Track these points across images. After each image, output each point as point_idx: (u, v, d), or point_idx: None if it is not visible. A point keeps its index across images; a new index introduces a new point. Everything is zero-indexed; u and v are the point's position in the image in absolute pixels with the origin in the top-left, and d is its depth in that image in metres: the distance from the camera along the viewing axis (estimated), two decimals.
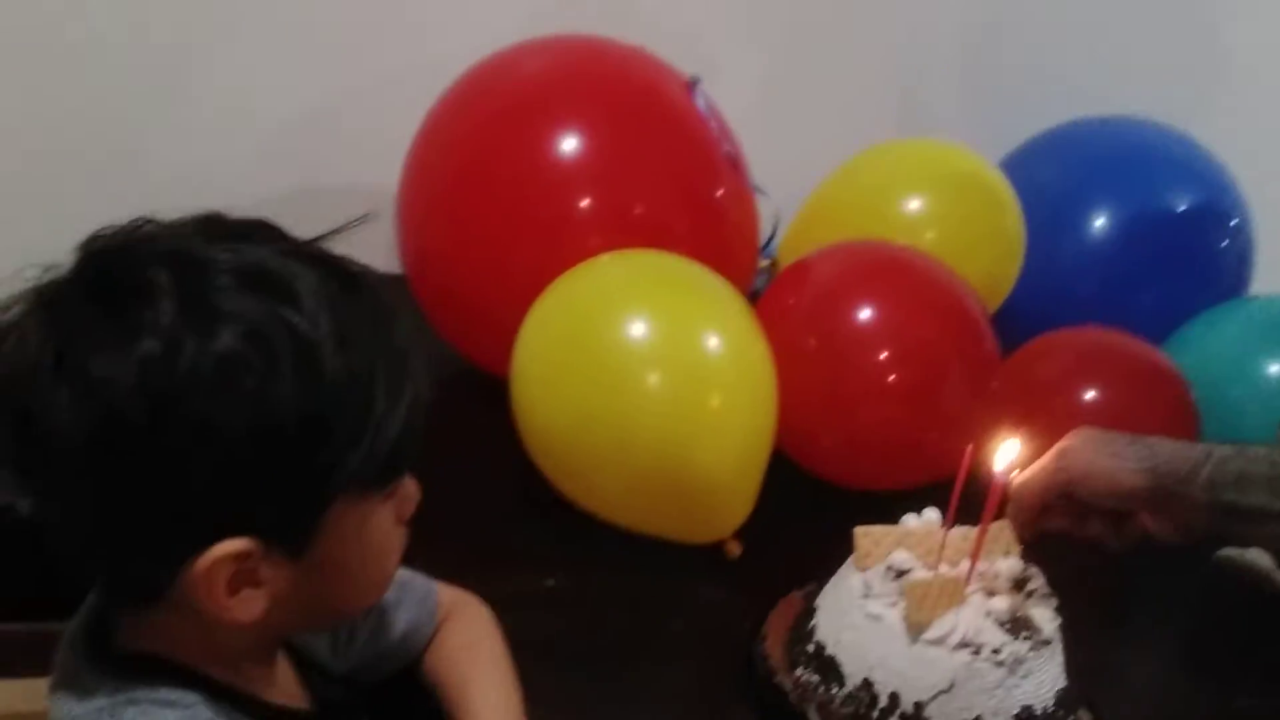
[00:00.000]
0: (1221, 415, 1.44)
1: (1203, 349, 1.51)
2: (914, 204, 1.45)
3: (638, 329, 1.16)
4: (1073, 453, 0.97)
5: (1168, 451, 0.92)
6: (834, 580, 1.09)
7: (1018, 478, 1.01)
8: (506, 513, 1.28)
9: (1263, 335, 1.50)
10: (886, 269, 1.31)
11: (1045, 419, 1.33)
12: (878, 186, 1.48)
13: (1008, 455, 1.00)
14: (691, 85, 1.38)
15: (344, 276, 0.69)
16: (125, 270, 0.64)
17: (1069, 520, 1.00)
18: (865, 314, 1.26)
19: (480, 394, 1.30)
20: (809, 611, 1.10)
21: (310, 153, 1.64)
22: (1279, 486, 0.86)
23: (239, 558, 0.65)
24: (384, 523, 0.74)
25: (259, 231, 0.69)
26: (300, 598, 0.71)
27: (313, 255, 0.69)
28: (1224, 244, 1.64)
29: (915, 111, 1.84)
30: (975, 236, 1.44)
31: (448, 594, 0.99)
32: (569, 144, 1.33)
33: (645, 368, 1.15)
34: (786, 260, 1.48)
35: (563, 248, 1.30)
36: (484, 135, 1.36)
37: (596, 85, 1.37)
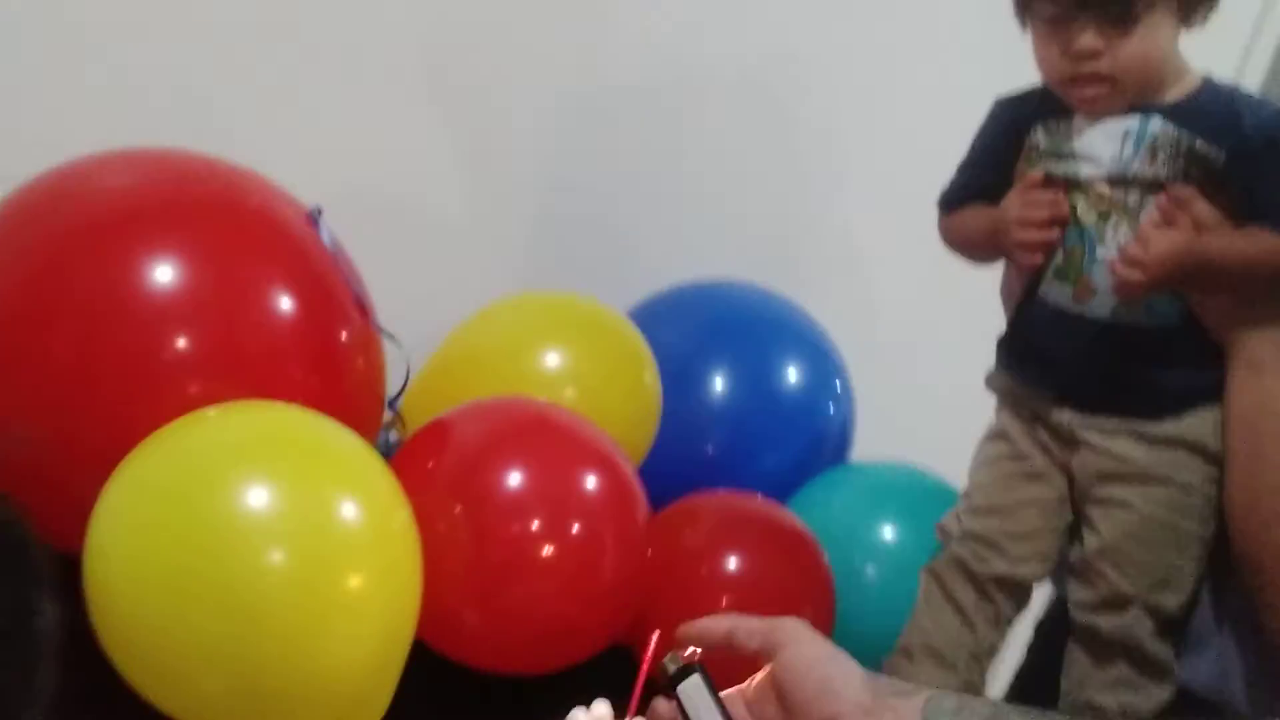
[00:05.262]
0: (842, 576, 1.45)
1: (821, 514, 1.53)
2: (553, 359, 1.36)
3: (255, 496, 0.97)
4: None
5: None
6: None
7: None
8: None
9: (875, 501, 1.55)
10: (536, 429, 1.20)
11: (693, 588, 1.28)
12: (514, 339, 1.39)
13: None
14: (314, 216, 1.22)
15: None
16: None
17: None
18: (516, 478, 1.14)
19: None
20: None
21: None
22: None
23: None
24: None
25: None
26: None
27: None
28: (832, 410, 1.69)
29: (534, 264, 1.78)
30: (615, 394, 1.37)
31: None
32: (161, 273, 1.11)
33: (265, 543, 0.95)
34: (412, 414, 1.34)
35: (154, 397, 1.08)
36: (50, 258, 1.11)
37: (197, 207, 1.17)
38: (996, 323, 1.58)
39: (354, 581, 0.98)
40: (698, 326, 1.70)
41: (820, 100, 1.95)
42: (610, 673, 1.23)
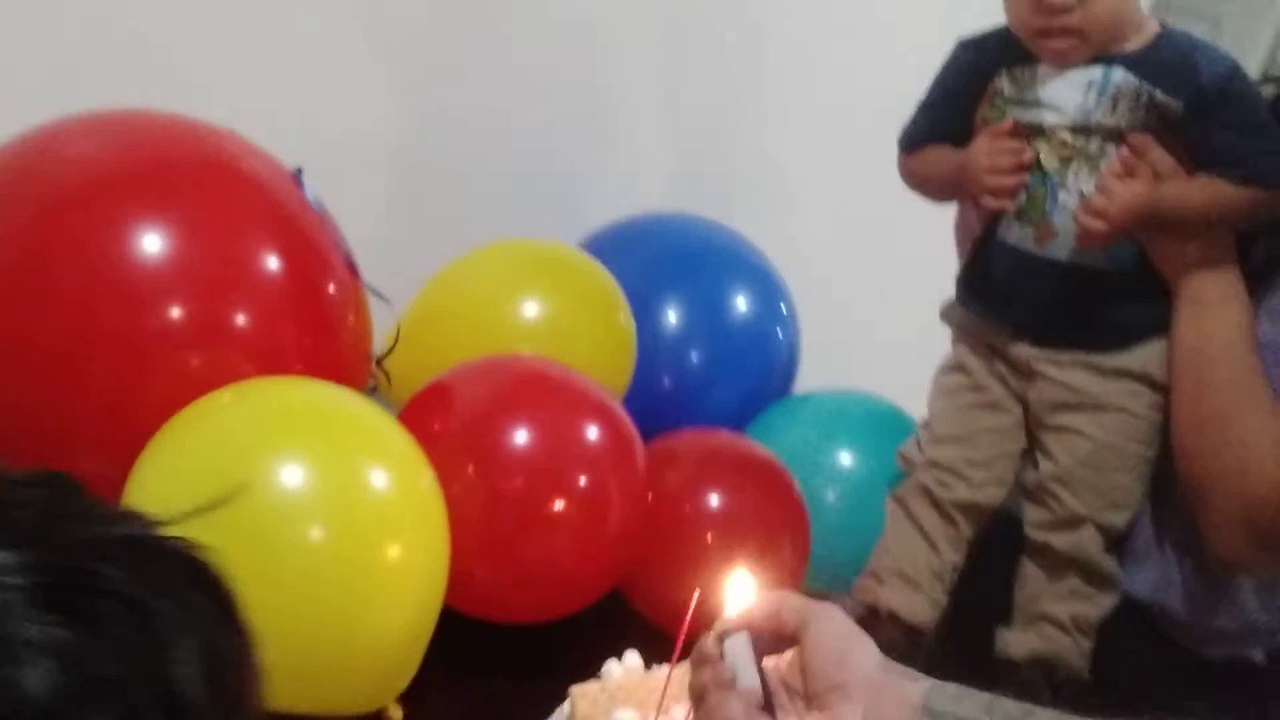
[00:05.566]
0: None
1: (779, 443, 1.57)
2: (531, 307, 1.37)
3: (291, 475, 0.97)
4: None
5: None
6: None
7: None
8: None
9: (830, 428, 1.61)
10: (535, 385, 1.21)
11: (679, 526, 1.33)
12: (489, 289, 1.39)
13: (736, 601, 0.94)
14: (297, 176, 1.20)
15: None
16: None
17: None
18: (523, 436, 1.16)
19: None
20: None
21: None
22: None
23: None
24: None
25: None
26: None
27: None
28: (781, 340, 1.73)
29: (469, 207, 1.75)
30: (595, 339, 1.39)
31: None
32: (150, 243, 1.09)
33: (305, 521, 0.96)
34: (390, 367, 1.34)
35: (153, 368, 1.07)
36: (29, 238, 1.07)
37: (184, 172, 1.13)
38: (929, 251, 1.65)
39: (393, 551, 0.99)
40: (645, 260, 1.70)
41: (752, 29, 1.95)
42: (609, 617, 1.28)
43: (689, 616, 0.94)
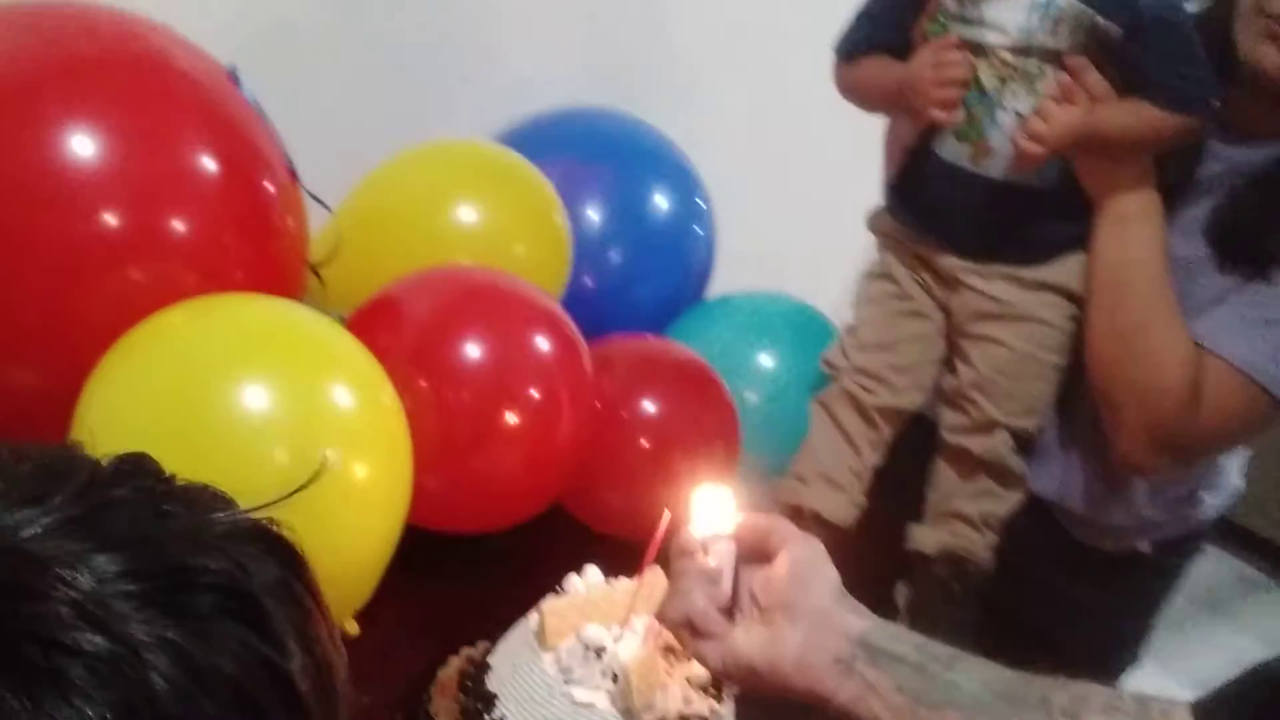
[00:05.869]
0: None
1: (700, 345, 1.57)
2: (469, 212, 1.33)
3: (252, 396, 0.94)
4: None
5: None
6: (514, 665, 1.00)
7: None
8: None
9: (751, 330, 1.63)
10: (483, 296, 1.19)
11: (616, 433, 1.34)
12: (425, 194, 1.34)
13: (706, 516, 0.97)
14: (233, 74, 1.13)
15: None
16: None
17: None
18: (475, 348, 1.14)
19: None
20: (484, 696, 1.00)
21: None
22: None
23: None
24: None
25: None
26: None
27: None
28: (701, 240, 1.73)
29: (383, 106, 1.68)
30: (532, 242, 1.37)
31: None
32: (80, 145, 1.01)
33: (268, 444, 0.94)
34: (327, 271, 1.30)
35: (88, 282, 1.01)
36: None
37: (111, 68, 1.06)
38: (841, 155, 1.66)
39: (359, 470, 0.98)
40: (561, 156, 1.66)
41: None
42: (551, 526, 1.30)
43: (659, 536, 0.96)
